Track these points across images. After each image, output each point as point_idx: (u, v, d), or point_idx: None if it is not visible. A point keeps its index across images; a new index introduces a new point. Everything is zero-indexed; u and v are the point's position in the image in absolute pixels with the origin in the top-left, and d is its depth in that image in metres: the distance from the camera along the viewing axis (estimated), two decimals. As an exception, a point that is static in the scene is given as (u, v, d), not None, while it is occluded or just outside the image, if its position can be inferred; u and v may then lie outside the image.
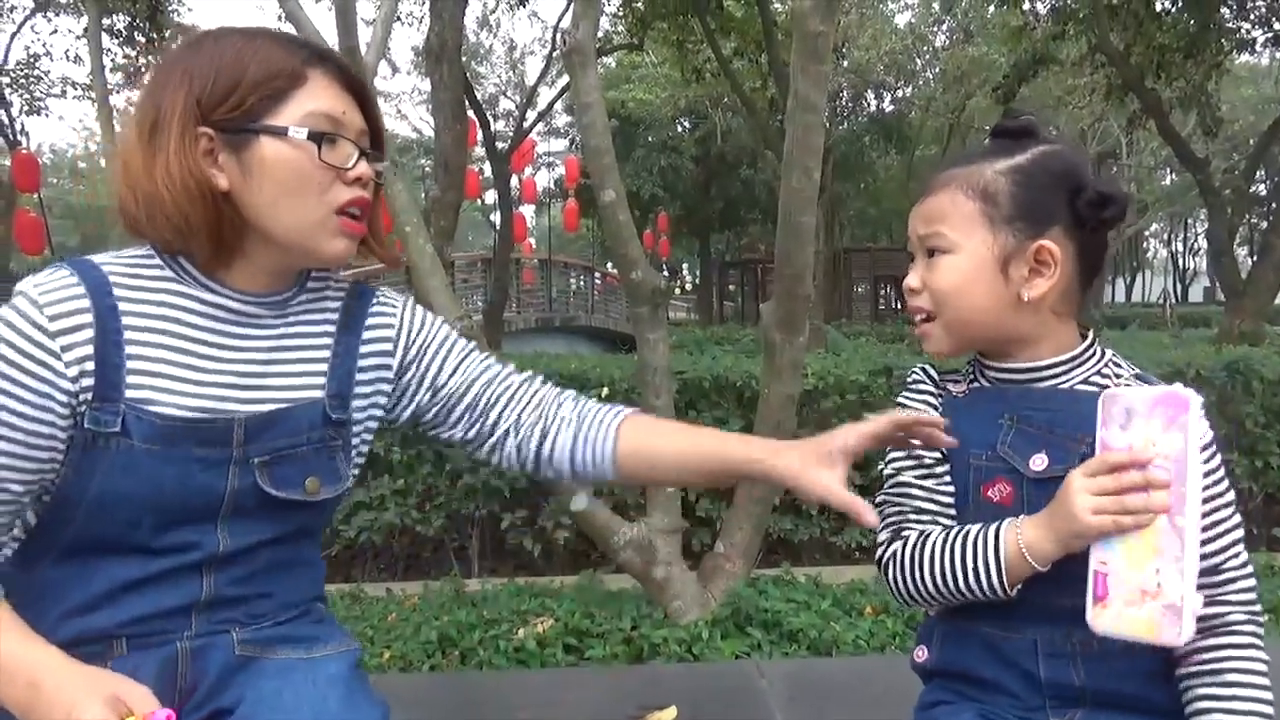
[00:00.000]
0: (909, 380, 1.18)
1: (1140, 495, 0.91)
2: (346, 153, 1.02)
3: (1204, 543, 0.94)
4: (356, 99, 1.05)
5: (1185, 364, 4.56)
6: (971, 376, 1.14)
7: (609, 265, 22.49)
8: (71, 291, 0.95)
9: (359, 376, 1.11)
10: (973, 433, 1.07)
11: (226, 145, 0.97)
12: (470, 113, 9.44)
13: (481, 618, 3.20)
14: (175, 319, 1.00)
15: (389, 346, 1.14)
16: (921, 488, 1.10)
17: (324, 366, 1.09)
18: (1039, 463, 1.02)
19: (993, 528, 1.01)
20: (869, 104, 24.14)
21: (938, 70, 22.44)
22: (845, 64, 19.50)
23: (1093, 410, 0.99)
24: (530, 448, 1.17)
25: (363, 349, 1.12)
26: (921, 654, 1.13)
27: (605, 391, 4.30)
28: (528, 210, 25.85)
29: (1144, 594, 0.90)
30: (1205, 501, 0.95)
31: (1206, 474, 0.97)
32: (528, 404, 1.19)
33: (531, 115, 16.70)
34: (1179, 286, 42.37)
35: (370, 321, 1.14)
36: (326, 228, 1.01)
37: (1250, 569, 1.00)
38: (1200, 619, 0.92)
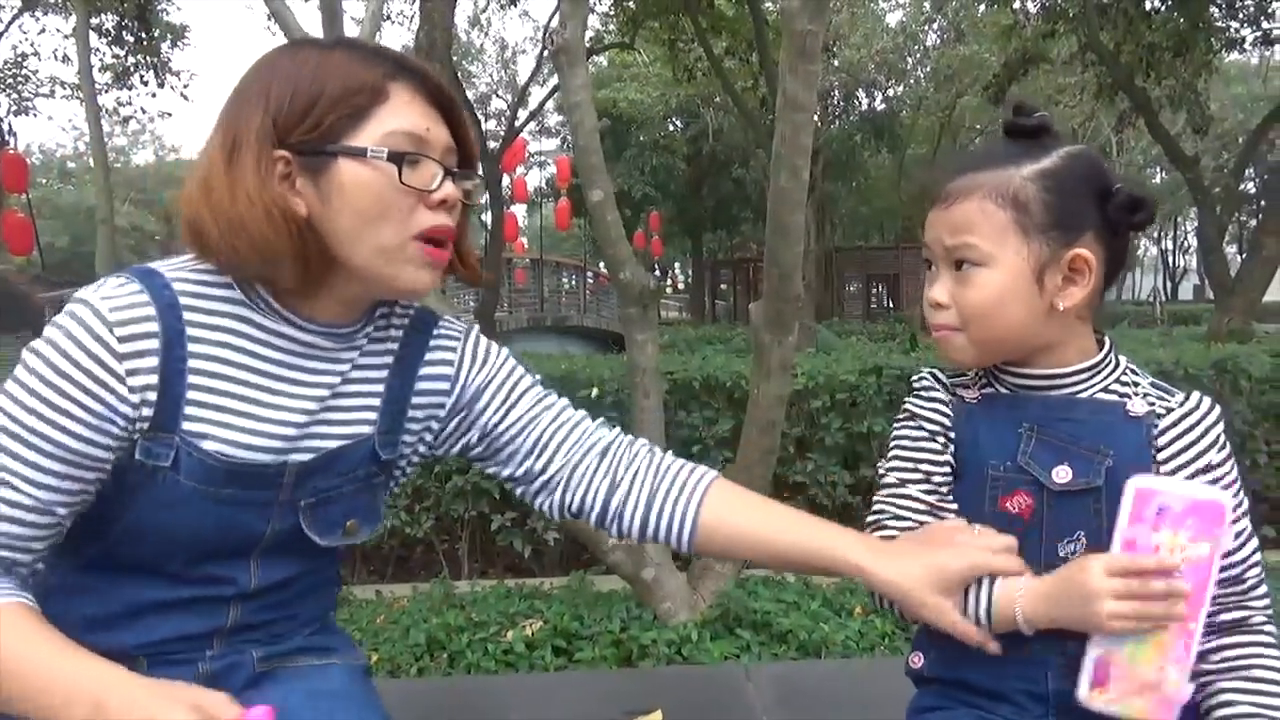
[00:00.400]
0: (916, 385, 1.14)
1: (1161, 603, 0.89)
2: (431, 173, 0.93)
3: (1227, 554, 0.95)
4: (442, 113, 0.96)
5: (1174, 362, 4.57)
6: (984, 381, 1.10)
7: (601, 265, 22.50)
8: (142, 311, 0.87)
9: (411, 414, 1.05)
10: (990, 442, 1.04)
11: (304, 169, 0.90)
12: (460, 112, 9.41)
13: (470, 620, 3.19)
14: (240, 348, 0.93)
15: (446, 385, 1.07)
16: (925, 502, 1.07)
17: (377, 402, 1.02)
18: (1062, 475, 0.99)
19: (986, 585, 0.97)
20: (860, 103, 24.19)
21: (928, 69, 22.49)
22: (836, 63, 19.53)
23: (1115, 421, 0.99)
24: (593, 502, 1.09)
25: (418, 385, 1.05)
26: (917, 660, 1.11)
27: (595, 392, 4.29)
28: (519, 210, 25.81)
29: (1145, 686, 0.91)
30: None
31: (1228, 485, 0.98)
32: (587, 452, 1.10)
33: (523, 114, 16.70)
34: (1169, 284, 42.55)
35: (430, 356, 1.06)
36: (408, 257, 0.93)
37: (1263, 574, 1.01)
38: (1226, 622, 0.97)
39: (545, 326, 19.13)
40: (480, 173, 1.05)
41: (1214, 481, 0.98)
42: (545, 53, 13.49)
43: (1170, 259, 44.52)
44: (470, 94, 14.02)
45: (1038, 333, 1.01)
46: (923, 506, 1.06)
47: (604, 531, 1.18)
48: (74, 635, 0.91)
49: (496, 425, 1.08)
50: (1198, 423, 1.00)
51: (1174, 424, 1.00)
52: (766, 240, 2.89)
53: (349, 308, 0.98)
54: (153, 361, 0.88)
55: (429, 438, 1.09)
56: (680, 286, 40.31)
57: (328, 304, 0.96)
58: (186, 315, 0.90)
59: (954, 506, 1.06)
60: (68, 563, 0.96)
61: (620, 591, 3.52)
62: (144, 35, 13.97)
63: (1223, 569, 0.95)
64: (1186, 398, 1.02)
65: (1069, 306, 0.99)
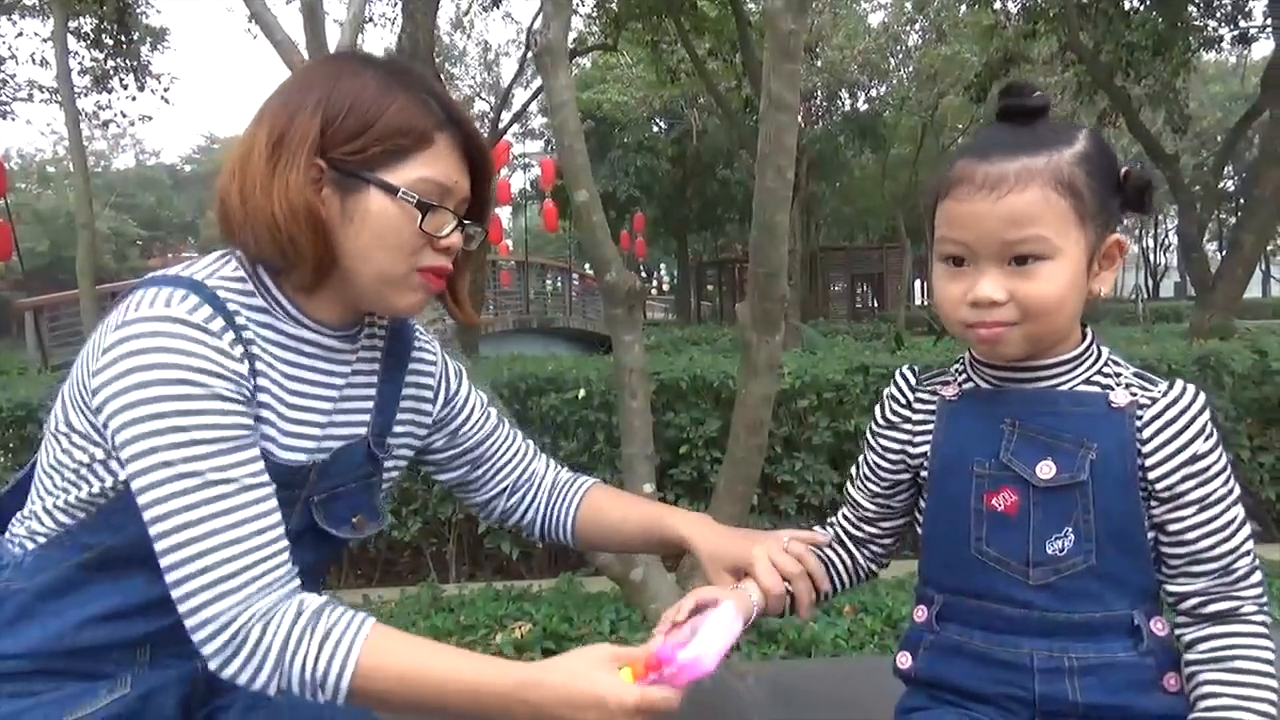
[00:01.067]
0: (889, 393, 1.16)
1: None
2: (444, 221, 1.01)
3: (1218, 542, 0.97)
4: (472, 168, 1.04)
5: (1157, 358, 4.61)
6: (965, 376, 1.10)
7: (586, 267, 22.48)
8: (208, 314, 0.92)
9: (399, 416, 1.13)
10: (972, 440, 1.04)
11: (335, 183, 0.97)
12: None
13: (459, 624, 3.18)
14: (273, 354, 0.99)
15: (429, 394, 1.17)
16: (868, 493, 1.18)
17: (370, 404, 1.09)
18: (1046, 470, 0.99)
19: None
20: (843, 103, 24.28)
21: (911, 69, 22.59)
22: (819, 63, 19.61)
23: (1097, 413, 0.99)
24: (515, 512, 1.27)
25: (405, 390, 1.13)
26: (905, 660, 1.11)
27: (582, 393, 4.28)
28: (504, 212, 25.77)
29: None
30: (1216, 502, 0.97)
31: (1215, 474, 0.97)
32: (521, 468, 1.26)
33: (506, 117, 16.65)
34: (1150, 282, 42.91)
35: (414, 365, 1.15)
36: (408, 283, 1.01)
37: (1257, 561, 0.99)
38: (1213, 612, 0.97)
39: (531, 328, 19.09)
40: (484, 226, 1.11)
41: (1202, 471, 0.97)
42: (528, 55, 13.47)
43: (1151, 257, 44.91)
44: (454, 97, 14.03)
45: (1075, 318, 1.00)
46: (864, 500, 1.19)
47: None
48: (81, 631, 0.95)
49: (461, 437, 1.21)
50: (1182, 412, 0.98)
51: (1158, 415, 0.98)
52: (752, 240, 2.89)
53: (347, 311, 1.04)
54: (242, 365, 0.93)
55: (414, 442, 1.17)
56: (665, 288, 40.35)
57: (330, 307, 1.03)
58: (237, 319, 0.95)
59: (900, 503, 1.16)
60: (72, 560, 0.96)
61: (609, 593, 3.52)
62: (123, 38, 13.84)
63: (1209, 559, 0.97)
64: (1170, 386, 1.00)
65: (1105, 292, 0.99)
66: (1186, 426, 0.98)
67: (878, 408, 1.17)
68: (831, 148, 22.90)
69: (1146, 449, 0.98)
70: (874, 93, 24.19)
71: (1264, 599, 0.99)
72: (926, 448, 1.10)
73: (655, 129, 24.78)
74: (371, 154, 0.96)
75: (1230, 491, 0.98)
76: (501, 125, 15.18)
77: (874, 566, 1.25)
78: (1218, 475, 0.98)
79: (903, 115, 23.46)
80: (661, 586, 3.12)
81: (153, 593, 0.94)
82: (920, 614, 1.10)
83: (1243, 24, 12.10)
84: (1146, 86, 11.81)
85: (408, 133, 0.97)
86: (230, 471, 0.89)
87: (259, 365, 0.96)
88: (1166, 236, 43.17)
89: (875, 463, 1.17)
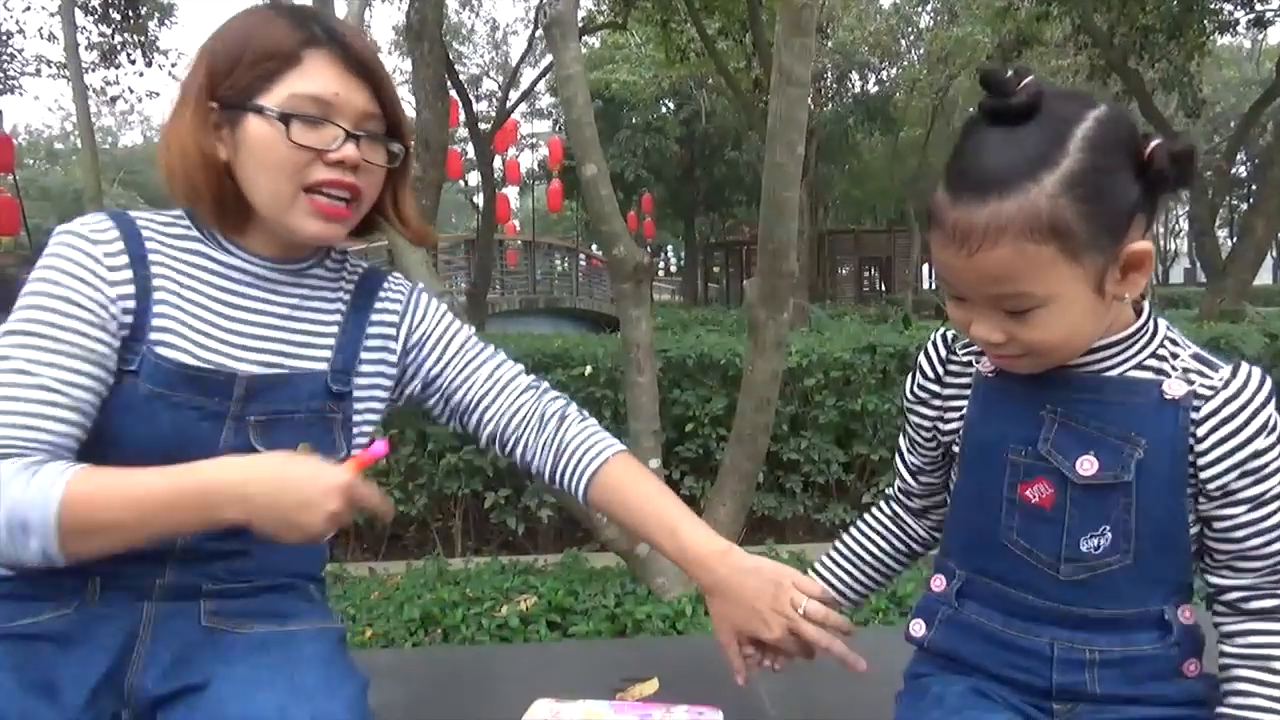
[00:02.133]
0: (919, 362, 1.09)
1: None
2: (331, 135, 1.02)
3: (1268, 541, 0.89)
4: (365, 81, 1.05)
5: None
6: None
7: (593, 247, 22.44)
8: (113, 234, 1.02)
9: (364, 355, 1.15)
10: (1009, 425, 0.97)
11: (225, 120, 1.03)
12: (452, 92, 9.35)
13: (465, 596, 3.20)
14: (196, 276, 1.06)
15: (392, 331, 1.18)
16: (906, 449, 1.14)
17: (331, 340, 1.12)
18: (1087, 467, 0.91)
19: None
20: (853, 85, 24.10)
21: (922, 51, 22.41)
22: (830, 44, 19.45)
23: (1148, 405, 0.90)
24: (516, 455, 1.22)
25: (370, 329, 1.16)
26: (919, 629, 1.06)
27: (589, 370, 4.29)
28: (511, 192, 25.74)
29: None
30: (1271, 500, 0.89)
31: (1273, 470, 0.89)
32: (516, 411, 1.21)
33: (514, 95, 16.59)
34: (1160, 268, 42.69)
35: (379, 305, 1.17)
36: (298, 207, 1.03)
37: None
38: (1258, 609, 0.91)
39: (538, 308, 19.09)
40: (408, 140, 1.12)
41: (1260, 469, 0.89)
42: (537, 32, 13.39)
43: (1161, 243, 44.64)
44: (461, 75, 13.96)
45: (1102, 328, 0.92)
46: (908, 475, 1.15)
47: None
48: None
49: (439, 377, 1.20)
50: (1244, 406, 0.88)
51: (1216, 410, 0.89)
52: (761, 217, 2.89)
53: (286, 247, 1.09)
54: (127, 274, 1.01)
55: (386, 382, 1.18)
56: (673, 269, 40.27)
57: (264, 241, 1.08)
58: (149, 244, 1.04)
59: (941, 477, 1.11)
60: None
61: (614, 568, 3.53)
62: (131, 13, 13.79)
63: (1258, 557, 0.90)
64: (1233, 374, 0.90)
65: (1133, 295, 0.89)
66: (1248, 422, 0.88)
67: (910, 377, 1.11)
68: (841, 130, 22.73)
69: (1201, 447, 0.89)
70: (884, 74, 24.01)
71: None
72: (958, 423, 1.04)
73: (664, 109, 24.63)
74: (245, 83, 1.01)
75: None
76: (509, 104, 15.11)
77: (936, 534, 1.19)
78: (1276, 472, 0.89)
79: (913, 97, 23.30)
80: (667, 561, 3.13)
81: None
82: (938, 583, 1.06)
83: (1259, 7, 11.96)
84: (1160, 70, 11.71)
85: (274, 54, 1.01)
86: (38, 368, 0.94)
87: (163, 284, 1.03)
88: (1176, 223, 42.90)
89: (912, 437, 1.12)
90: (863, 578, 1.21)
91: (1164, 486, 0.90)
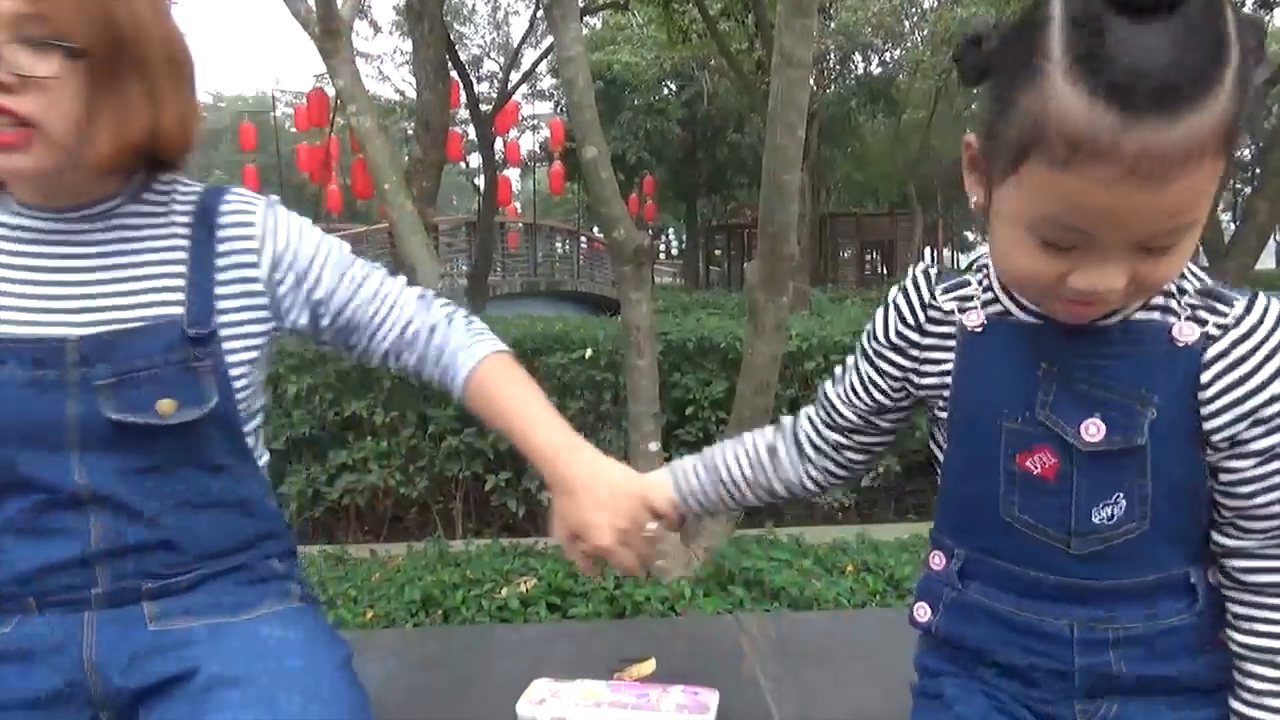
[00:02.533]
0: (894, 300, 0.96)
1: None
2: None
3: (1277, 499, 0.80)
4: None
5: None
6: (992, 296, 0.88)
7: (595, 230, 22.38)
8: None
9: (220, 290, 1.02)
10: (1001, 389, 0.85)
11: None
12: (453, 73, 9.30)
13: (465, 578, 3.21)
14: None
15: (252, 258, 1.05)
16: (853, 385, 1.01)
17: (180, 282, 1.00)
18: (1093, 432, 0.80)
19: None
20: (856, 66, 23.96)
21: (925, 32, 22.26)
22: (833, 25, 19.32)
23: (1158, 353, 0.79)
24: (409, 367, 1.16)
25: (219, 261, 1.03)
26: (924, 613, 0.97)
27: (589, 352, 4.29)
28: (512, 174, 25.65)
29: None
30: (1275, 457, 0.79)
31: None
32: (408, 324, 1.13)
33: (515, 77, 16.49)
34: (1163, 252, 42.56)
35: (226, 232, 1.04)
36: None
37: None
38: (1266, 584, 0.82)
39: (539, 291, 19.07)
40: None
41: (1273, 417, 0.78)
42: (538, 13, 13.31)
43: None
44: (462, 56, 13.87)
45: None
46: (844, 409, 1.03)
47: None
48: None
49: (322, 301, 1.09)
50: (1257, 347, 0.76)
51: (1224, 353, 0.77)
52: (761, 199, 2.88)
53: (66, 193, 0.98)
54: None
55: (258, 312, 1.06)
56: (674, 252, 40.18)
57: (32, 190, 0.98)
58: None
59: (889, 423, 1.01)
60: None
61: (614, 550, 3.55)
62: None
63: (1264, 516, 0.81)
64: (1246, 310, 0.77)
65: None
66: (1262, 365, 0.76)
67: (880, 313, 0.97)
68: (843, 112, 22.61)
69: (1206, 394, 0.78)
70: (888, 56, 23.86)
71: None
72: (935, 379, 0.93)
73: (665, 91, 24.49)
74: None
75: None
76: (510, 85, 15.03)
77: (815, 488, 1.10)
78: None
79: (916, 79, 23.16)
80: (665, 544, 3.14)
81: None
82: (938, 561, 0.96)
83: (1266, -12, 11.86)
84: (1165, 52, 11.63)
85: None
86: None
87: None
88: (1180, 206, 42.78)
89: (870, 377, 0.99)
90: (728, 499, 1.12)
91: (1181, 444, 0.80)
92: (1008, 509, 0.87)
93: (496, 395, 1.10)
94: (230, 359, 1.02)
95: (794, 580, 3.08)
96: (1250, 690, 0.83)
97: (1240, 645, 0.84)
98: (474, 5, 30.07)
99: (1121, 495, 0.82)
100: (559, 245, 23.41)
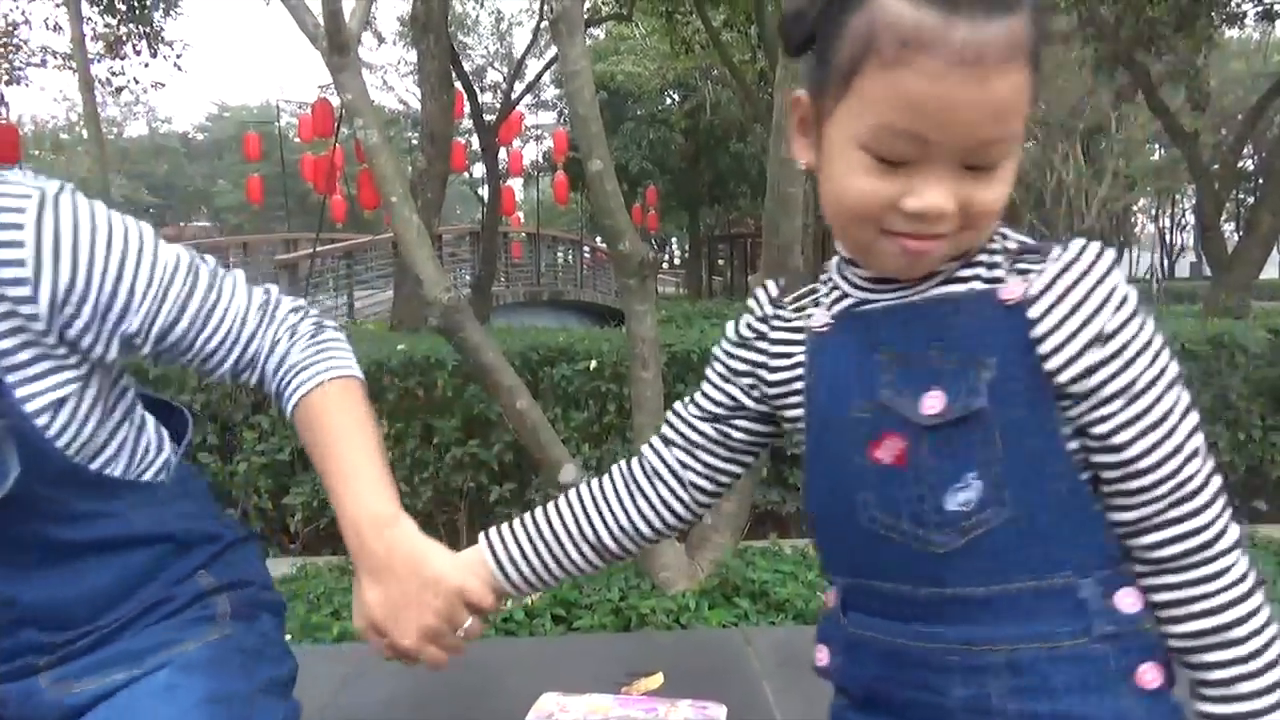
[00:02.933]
0: (743, 313, 0.93)
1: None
2: None
3: (1155, 444, 0.74)
4: None
5: (1171, 337, 4.58)
6: (838, 293, 0.85)
7: (598, 240, 22.42)
8: None
9: None
10: (847, 379, 0.81)
11: None
12: (457, 84, 9.34)
13: (470, 589, 3.21)
14: None
15: (24, 291, 0.85)
16: (701, 393, 0.96)
17: None
18: (932, 403, 0.76)
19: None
20: (859, 77, 24.00)
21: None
22: (835, 36, 19.35)
23: (988, 313, 0.76)
24: (253, 384, 1.04)
25: None
26: (823, 656, 0.89)
27: (593, 364, 4.30)
28: (516, 184, 25.70)
29: None
30: (1146, 391, 0.74)
31: (1137, 355, 0.74)
32: (250, 341, 1.00)
33: (519, 87, 16.55)
34: (1166, 261, 42.56)
35: None
36: None
37: (1228, 508, 0.76)
38: (1169, 556, 0.75)
39: (542, 301, 19.10)
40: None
41: (1119, 352, 0.73)
42: (542, 24, 13.36)
43: (1167, 236, 44.49)
44: (466, 66, 13.88)
45: None
46: (692, 420, 0.96)
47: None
48: None
49: (138, 329, 0.93)
50: (1078, 279, 0.73)
51: (1046, 288, 0.74)
52: (766, 212, 2.89)
53: None
54: None
55: (56, 351, 0.89)
56: (677, 262, 40.23)
57: None
58: None
59: (737, 439, 0.94)
60: None
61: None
62: (136, 4, 13.79)
63: (1147, 470, 0.74)
64: (1063, 250, 0.75)
65: None
66: (1087, 296, 0.73)
67: (729, 325, 0.95)
68: (846, 122, 22.67)
69: (1040, 335, 0.74)
70: (890, 67, 23.90)
71: (1239, 550, 0.75)
72: (786, 374, 0.88)
73: (668, 101, 24.58)
74: None
75: (1171, 386, 0.74)
76: (514, 96, 15.09)
77: (649, 531, 0.97)
78: (1142, 358, 0.73)
79: (919, 90, 23.20)
80: (671, 555, 3.15)
81: None
82: (830, 597, 0.90)
83: (1267, 0, 11.90)
84: (1167, 63, 11.66)
85: None
86: None
87: None
88: (1183, 216, 42.76)
89: (720, 378, 0.94)
90: (569, 566, 0.98)
91: (1026, 410, 0.75)
92: (864, 511, 0.80)
93: (319, 431, 0.97)
94: (30, 407, 0.87)
95: (799, 592, 3.08)
96: (1213, 684, 0.74)
97: (1184, 637, 0.75)
98: (478, 16, 30.21)
99: (973, 476, 0.75)
100: (562, 255, 23.45)
